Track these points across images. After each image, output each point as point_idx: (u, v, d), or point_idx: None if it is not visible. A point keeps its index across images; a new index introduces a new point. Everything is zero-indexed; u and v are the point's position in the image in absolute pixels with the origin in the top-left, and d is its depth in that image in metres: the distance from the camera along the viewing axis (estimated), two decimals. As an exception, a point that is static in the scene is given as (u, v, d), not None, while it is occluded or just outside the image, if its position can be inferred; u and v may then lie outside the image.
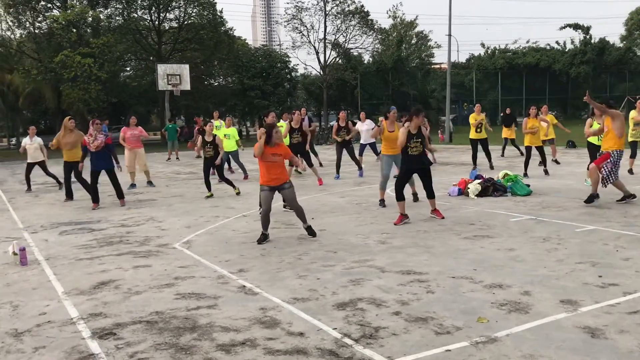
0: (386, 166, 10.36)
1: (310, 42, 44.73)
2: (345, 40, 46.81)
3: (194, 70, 42.54)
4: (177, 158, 24.11)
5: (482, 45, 59.42)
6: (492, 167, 15.27)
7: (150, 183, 14.55)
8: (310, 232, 7.87)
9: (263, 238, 7.54)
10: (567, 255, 6.37)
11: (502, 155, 19.43)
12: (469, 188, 10.89)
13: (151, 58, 42.27)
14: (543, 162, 13.87)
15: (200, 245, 7.59)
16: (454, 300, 5.04)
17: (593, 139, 11.94)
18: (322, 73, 46.68)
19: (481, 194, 10.79)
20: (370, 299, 5.16)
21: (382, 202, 10.32)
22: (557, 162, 16.28)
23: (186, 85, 29.32)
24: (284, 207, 9.80)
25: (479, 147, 15.56)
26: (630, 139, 13.74)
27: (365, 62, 53.27)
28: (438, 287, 5.42)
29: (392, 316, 4.70)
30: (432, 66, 57.39)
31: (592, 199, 9.30)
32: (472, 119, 15.63)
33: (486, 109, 63.22)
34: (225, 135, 14.72)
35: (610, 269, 5.80)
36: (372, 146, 16.25)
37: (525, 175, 13.20)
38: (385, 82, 50.82)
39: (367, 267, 6.20)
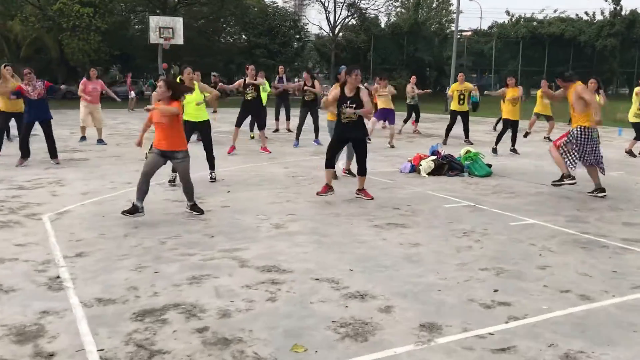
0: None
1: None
2: (358, -1, 44.86)
3: (201, 26, 41.34)
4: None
5: (507, 12, 57.08)
6: (470, 142, 14.02)
7: (100, 141, 13.53)
8: (195, 208, 6.76)
9: (133, 210, 6.40)
10: (477, 258, 5.23)
11: (494, 129, 18.04)
12: (421, 165, 9.69)
13: (157, 11, 40.95)
14: (512, 140, 12.55)
15: (71, 218, 6.59)
16: (289, 315, 3.96)
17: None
18: (331, 34, 44.99)
19: (434, 172, 9.59)
20: (190, 306, 4.10)
21: (349, 172, 9.23)
22: (549, 139, 14.95)
23: (179, 40, 28.10)
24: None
25: (459, 120, 14.29)
26: (633, 120, 12.36)
27: (383, 24, 51.39)
28: (287, 293, 4.35)
29: (190, 335, 3.65)
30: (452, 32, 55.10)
31: (562, 179, 8.00)
32: (453, 89, 14.32)
33: (504, 80, 61.38)
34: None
35: (516, 281, 4.65)
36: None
37: (495, 151, 11.98)
38: (399, 47, 48.95)
39: (229, 259, 5.14)
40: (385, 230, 6.15)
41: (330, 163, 7.65)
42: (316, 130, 13.86)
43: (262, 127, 12.30)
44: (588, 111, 7.59)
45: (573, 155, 7.72)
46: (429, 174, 9.56)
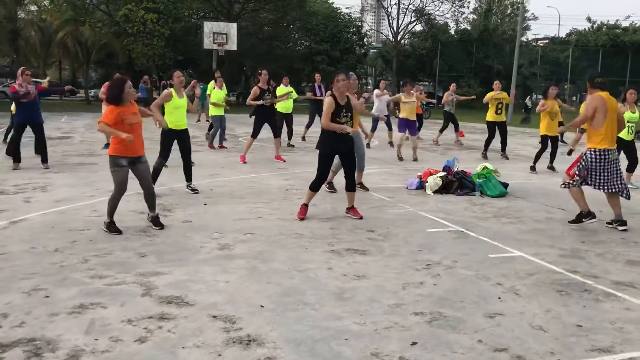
0: None
1: (382, 5, 42.10)
2: (423, 4, 43.70)
3: (264, 32, 41.40)
4: (207, 120, 23.05)
5: (588, 19, 54.19)
6: (506, 157, 12.97)
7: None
8: (156, 222, 6.32)
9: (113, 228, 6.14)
10: (420, 298, 4.45)
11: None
12: (427, 182, 8.84)
13: (221, 18, 41.41)
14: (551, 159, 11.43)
15: (18, 228, 6.26)
16: (145, 362, 3.36)
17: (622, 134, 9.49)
18: (393, 41, 44.07)
19: (442, 190, 8.72)
20: (45, 342, 3.58)
21: (330, 186, 8.58)
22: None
23: (232, 45, 28.07)
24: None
25: (497, 131, 13.24)
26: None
27: (452, 31, 50.03)
28: (165, 333, 3.75)
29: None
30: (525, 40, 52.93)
31: (579, 219, 6.88)
32: (490, 97, 13.26)
33: (582, 90, 58.12)
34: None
35: (447, 332, 3.85)
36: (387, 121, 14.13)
37: (533, 169, 10.95)
38: (468, 54, 47.41)
39: (137, 285, 4.60)
40: (338, 258, 5.43)
41: (318, 186, 6.94)
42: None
43: (277, 134, 11.80)
44: (609, 128, 6.55)
45: (595, 180, 6.63)
46: (436, 191, 8.70)
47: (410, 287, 4.69)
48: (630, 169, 9.62)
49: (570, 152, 13.88)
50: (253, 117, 11.42)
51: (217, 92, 13.82)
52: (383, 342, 3.66)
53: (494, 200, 8.34)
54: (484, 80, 43.30)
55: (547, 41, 59.21)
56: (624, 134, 9.38)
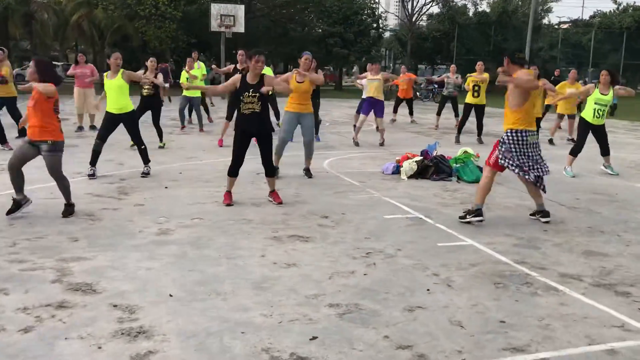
0: (287, 126, 8.24)
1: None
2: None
3: (276, 15, 40.93)
4: (212, 104, 22.87)
5: (614, 0, 52.63)
6: (480, 141, 12.55)
7: (93, 127, 13.14)
8: (69, 211, 6.00)
9: (15, 207, 5.85)
10: (343, 288, 4.20)
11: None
12: (402, 166, 8.54)
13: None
14: None
15: (-39, 211, 6.11)
16: (23, 354, 3.17)
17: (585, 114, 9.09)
18: (407, 22, 43.32)
19: (418, 175, 8.41)
20: None
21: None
22: (573, 140, 13.14)
23: (240, 28, 27.68)
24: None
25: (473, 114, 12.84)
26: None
27: (471, 13, 49.03)
28: (57, 323, 3.57)
29: None
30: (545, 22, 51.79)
31: (467, 214, 6.13)
32: (470, 81, 12.81)
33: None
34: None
35: (354, 327, 3.60)
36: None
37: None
38: (486, 37, 46.40)
39: (53, 271, 4.42)
40: (277, 245, 5.19)
41: (235, 171, 6.67)
42: (316, 124, 12.86)
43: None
44: (525, 108, 5.94)
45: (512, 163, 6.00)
46: (411, 176, 8.40)
47: (338, 276, 4.44)
48: (604, 152, 9.17)
49: (551, 141, 13.34)
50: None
51: (185, 74, 13.46)
52: (281, 337, 3.43)
53: (469, 185, 8.01)
54: (502, 64, 42.40)
55: (569, 24, 57.75)
56: (589, 116, 8.95)
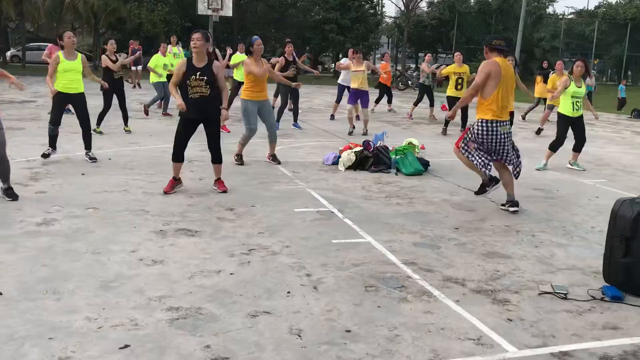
0: (252, 117, 7.93)
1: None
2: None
3: (274, 0, 40.35)
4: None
5: (621, -11, 51.75)
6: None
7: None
8: (9, 194, 5.83)
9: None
10: (200, 289, 3.88)
11: (524, 118, 15.87)
12: (340, 157, 8.19)
13: (232, -17, 40.51)
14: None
15: None
16: None
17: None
18: (404, 10, 42.71)
19: (356, 166, 8.06)
20: None
21: (239, 158, 8.04)
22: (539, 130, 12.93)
23: (228, 11, 27.19)
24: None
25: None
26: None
27: (472, 1, 48.29)
28: None
29: None
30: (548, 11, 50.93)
31: (483, 188, 6.37)
32: (449, 71, 12.44)
33: (609, 65, 55.68)
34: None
35: (178, 335, 3.27)
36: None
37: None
38: (487, 26, 45.67)
39: None
40: (158, 239, 4.86)
41: (178, 155, 6.37)
42: (295, 112, 12.52)
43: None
44: (500, 98, 5.79)
45: (480, 155, 5.95)
46: (349, 167, 8.04)
47: (201, 276, 4.11)
48: (577, 148, 8.77)
49: (539, 131, 13.01)
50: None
51: (157, 58, 13.20)
52: (90, 344, 3.11)
53: (406, 178, 7.64)
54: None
55: (572, 14, 56.83)
56: (568, 110, 8.55)
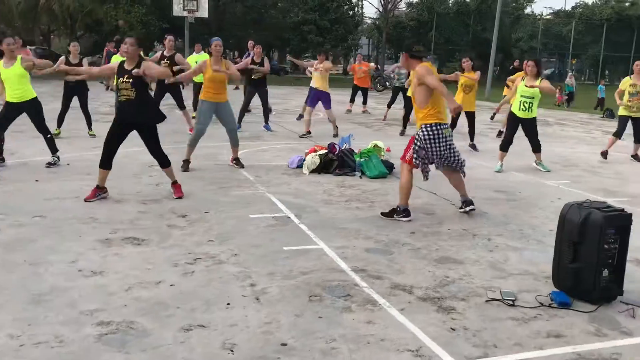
0: (204, 118, 7.79)
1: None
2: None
3: (253, 0, 40.13)
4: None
5: (597, -9, 52.30)
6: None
7: None
8: None
9: None
10: (136, 302, 3.73)
11: (492, 118, 15.86)
12: (305, 160, 8.08)
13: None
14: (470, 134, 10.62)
15: None
16: None
17: (514, 109, 8.64)
18: (382, 11, 42.74)
19: (321, 169, 7.95)
20: None
21: (185, 164, 7.86)
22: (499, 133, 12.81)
23: (204, 13, 27.03)
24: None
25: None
26: (624, 113, 10.03)
27: (450, 2, 48.48)
28: None
29: None
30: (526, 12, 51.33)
31: (393, 213, 5.88)
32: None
33: (586, 64, 56.18)
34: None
35: (105, 351, 3.12)
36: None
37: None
38: (465, 26, 45.91)
39: None
40: (101, 249, 4.71)
41: (105, 162, 6.19)
42: (265, 113, 12.40)
43: (182, 107, 11.12)
44: (436, 102, 5.65)
45: (433, 157, 5.80)
46: (313, 171, 7.93)
47: (139, 287, 3.96)
48: (534, 149, 8.73)
49: (500, 133, 12.89)
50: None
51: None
52: (8, 363, 2.95)
53: (369, 181, 7.55)
54: (481, 54, 41.91)
55: (550, 15, 57.32)
56: (515, 109, 8.52)
